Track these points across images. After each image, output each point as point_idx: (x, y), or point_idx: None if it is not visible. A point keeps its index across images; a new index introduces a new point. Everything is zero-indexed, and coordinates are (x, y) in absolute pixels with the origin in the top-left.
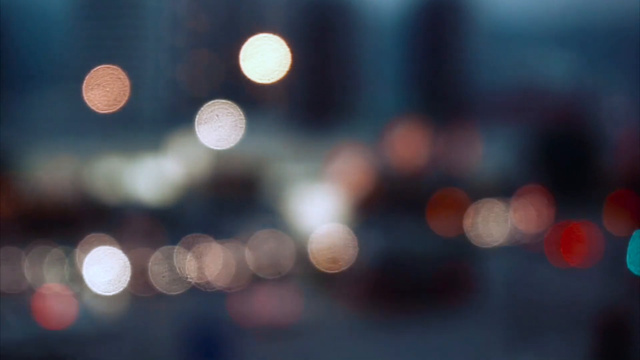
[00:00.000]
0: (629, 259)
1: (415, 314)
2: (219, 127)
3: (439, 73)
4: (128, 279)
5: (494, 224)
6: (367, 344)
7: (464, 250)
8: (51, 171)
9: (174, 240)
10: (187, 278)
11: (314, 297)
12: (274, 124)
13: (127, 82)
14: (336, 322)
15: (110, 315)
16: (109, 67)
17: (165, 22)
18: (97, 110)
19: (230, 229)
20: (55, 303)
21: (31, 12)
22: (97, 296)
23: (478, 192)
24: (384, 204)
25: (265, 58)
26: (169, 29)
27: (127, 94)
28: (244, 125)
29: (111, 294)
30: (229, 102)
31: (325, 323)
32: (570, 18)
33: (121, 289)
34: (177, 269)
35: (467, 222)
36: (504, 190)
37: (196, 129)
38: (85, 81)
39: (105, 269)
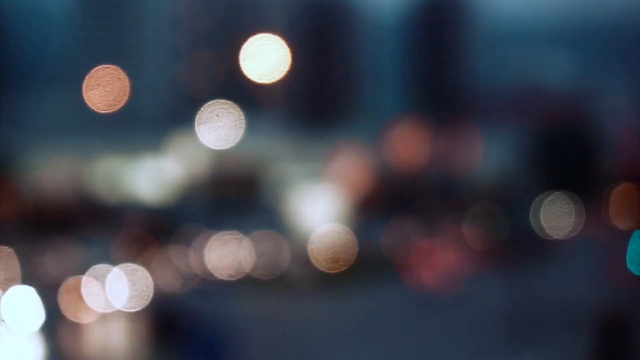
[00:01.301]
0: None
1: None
2: (219, 127)
3: (439, 73)
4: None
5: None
6: None
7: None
8: (51, 171)
9: (173, 240)
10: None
11: None
12: (274, 124)
13: (127, 82)
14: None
15: None
16: (109, 67)
17: (165, 22)
18: (97, 110)
19: (230, 228)
20: None
21: (31, 12)
22: None
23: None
24: (384, 204)
25: (265, 58)
26: (169, 29)
27: (127, 94)
28: (244, 125)
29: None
30: (229, 102)
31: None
32: (570, 18)
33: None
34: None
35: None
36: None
37: (196, 129)
38: (85, 81)
39: None
